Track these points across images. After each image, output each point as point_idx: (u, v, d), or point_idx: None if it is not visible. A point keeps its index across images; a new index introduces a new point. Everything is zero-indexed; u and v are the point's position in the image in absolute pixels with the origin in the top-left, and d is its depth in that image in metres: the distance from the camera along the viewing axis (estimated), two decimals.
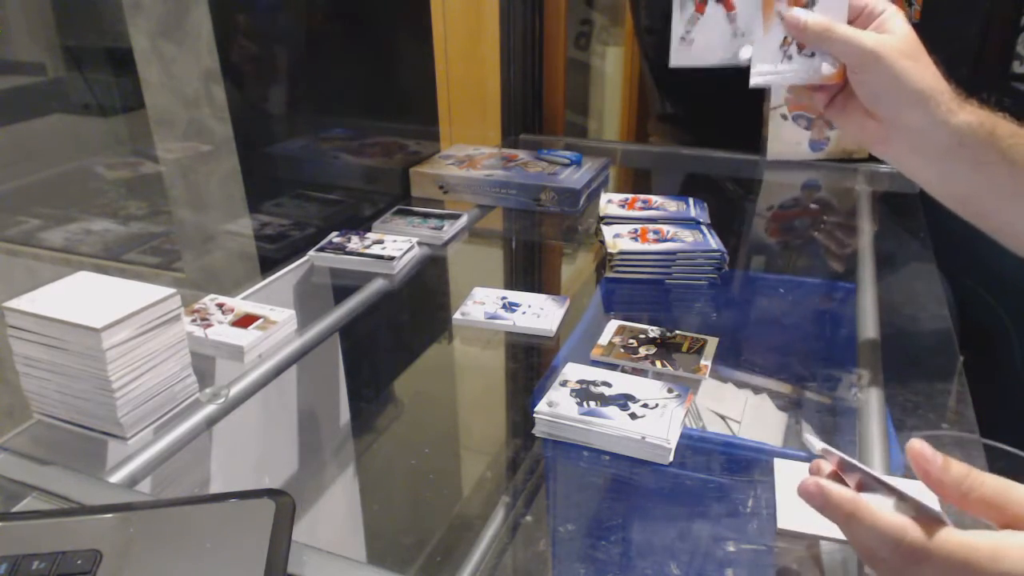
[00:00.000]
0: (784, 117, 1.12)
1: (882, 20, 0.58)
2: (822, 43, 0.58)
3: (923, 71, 0.56)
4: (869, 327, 0.70)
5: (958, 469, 0.38)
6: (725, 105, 1.24)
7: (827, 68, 0.58)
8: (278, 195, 0.91)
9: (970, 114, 0.55)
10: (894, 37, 0.57)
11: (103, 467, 0.55)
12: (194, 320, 0.70)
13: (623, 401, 0.57)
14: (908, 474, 0.47)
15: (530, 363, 0.74)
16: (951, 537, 0.36)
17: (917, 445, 0.39)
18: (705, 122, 1.36)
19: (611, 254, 0.81)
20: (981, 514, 0.38)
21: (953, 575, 0.36)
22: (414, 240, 0.91)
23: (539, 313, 0.75)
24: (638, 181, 1.35)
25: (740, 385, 0.72)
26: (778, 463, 0.52)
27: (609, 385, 0.59)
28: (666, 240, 0.83)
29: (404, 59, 1.12)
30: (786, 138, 1.12)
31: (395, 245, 0.88)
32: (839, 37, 0.57)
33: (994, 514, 0.38)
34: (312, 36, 0.93)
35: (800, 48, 0.59)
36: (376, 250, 0.87)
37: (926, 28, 1.13)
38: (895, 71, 0.56)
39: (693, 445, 0.55)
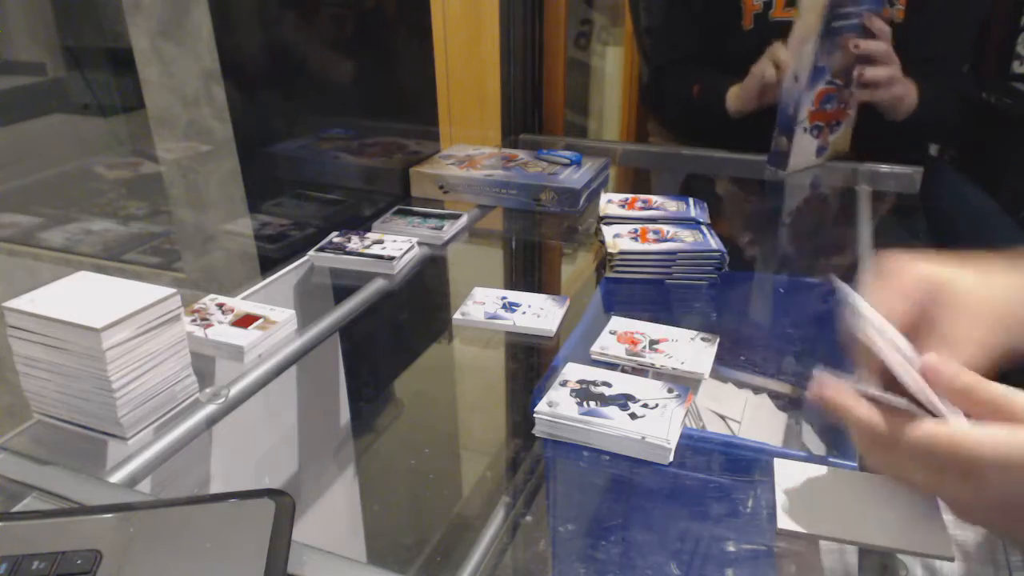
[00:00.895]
0: (805, 130, 1.10)
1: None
2: None
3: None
4: None
5: (967, 378, 0.40)
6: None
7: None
8: (278, 195, 0.91)
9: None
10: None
11: (103, 467, 0.55)
12: (194, 320, 0.70)
13: (623, 401, 0.57)
14: None
15: (530, 363, 0.74)
16: (924, 426, 0.40)
17: (933, 360, 0.41)
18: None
19: (611, 254, 0.81)
20: (986, 418, 0.39)
21: (923, 459, 0.39)
22: (414, 240, 0.91)
23: (539, 313, 0.75)
24: (638, 181, 1.35)
25: (740, 385, 0.72)
26: (778, 463, 0.52)
27: (609, 385, 0.59)
28: (666, 240, 0.83)
29: (404, 59, 1.12)
30: (799, 149, 1.11)
31: (395, 245, 0.88)
32: None
33: (999, 419, 0.39)
34: (312, 36, 0.93)
35: None
36: (376, 250, 0.87)
37: (913, 28, 1.13)
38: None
39: (693, 445, 0.55)
